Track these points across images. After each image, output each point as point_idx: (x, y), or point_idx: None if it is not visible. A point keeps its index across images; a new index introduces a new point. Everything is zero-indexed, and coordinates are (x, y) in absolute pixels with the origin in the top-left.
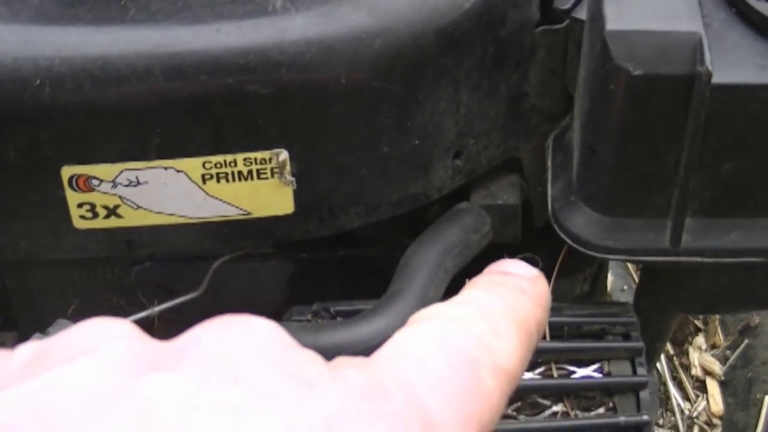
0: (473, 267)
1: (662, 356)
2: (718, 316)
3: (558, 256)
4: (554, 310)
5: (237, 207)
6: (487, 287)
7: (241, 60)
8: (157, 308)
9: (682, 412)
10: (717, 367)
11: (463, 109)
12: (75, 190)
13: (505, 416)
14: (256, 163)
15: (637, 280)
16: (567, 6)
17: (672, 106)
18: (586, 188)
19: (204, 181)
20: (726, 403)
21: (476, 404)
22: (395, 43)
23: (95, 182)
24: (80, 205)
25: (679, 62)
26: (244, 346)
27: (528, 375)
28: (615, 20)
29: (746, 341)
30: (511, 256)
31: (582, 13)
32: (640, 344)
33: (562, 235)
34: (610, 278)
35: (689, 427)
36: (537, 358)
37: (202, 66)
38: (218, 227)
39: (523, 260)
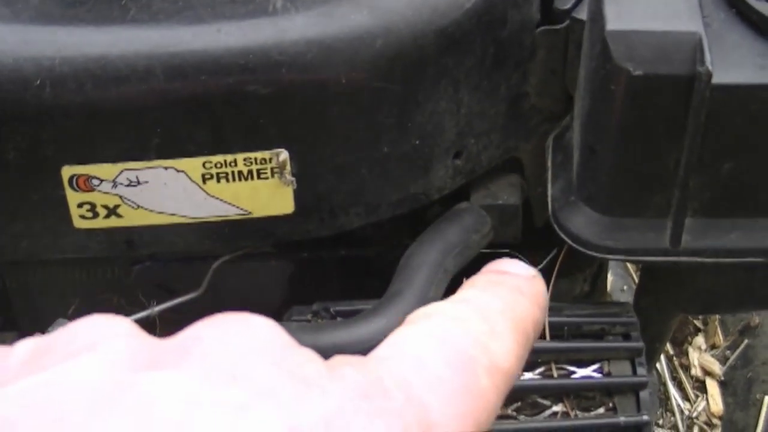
0: (473, 267)
1: (662, 356)
2: (718, 316)
3: (558, 256)
4: (554, 310)
5: (237, 207)
6: (484, 286)
7: (241, 60)
8: (157, 308)
9: (681, 412)
10: (717, 367)
11: (464, 109)
12: (75, 189)
13: (505, 416)
14: (256, 163)
15: (637, 280)
16: (567, 6)
17: (672, 106)
18: (586, 188)
19: (204, 181)
20: (726, 403)
21: (473, 403)
22: (395, 43)
23: (95, 182)
24: (80, 205)
25: (679, 62)
26: (243, 344)
27: (528, 375)
28: (615, 20)
29: (746, 341)
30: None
31: (582, 14)
32: (640, 344)
33: (562, 235)
34: (610, 278)
35: (689, 427)
36: (537, 358)
37: (202, 66)
38: (218, 227)
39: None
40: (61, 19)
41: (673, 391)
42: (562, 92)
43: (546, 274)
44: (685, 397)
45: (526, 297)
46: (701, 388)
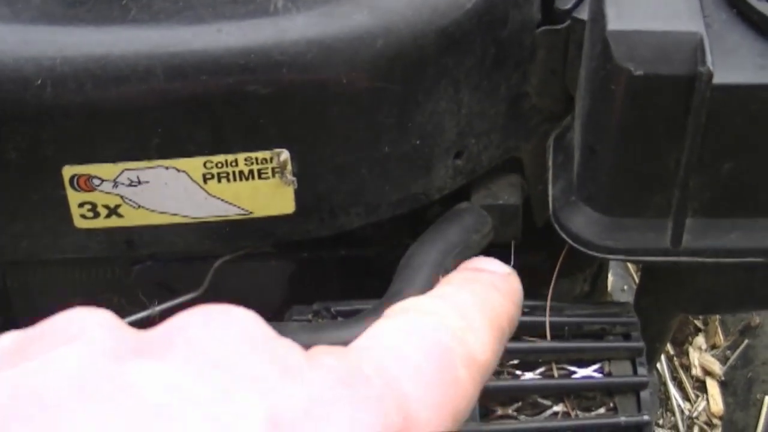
0: None
1: (662, 356)
2: (718, 316)
3: (558, 256)
4: (555, 310)
5: (238, 207)
6: (461, 283)
7: (241, 60)
8: (158, 308)
9: (682, 412)
10: (717, 367)
11: (464, 109)
12: (76, 189)
13: (505, 416)
14: (257, 163)
15: (637, 280)
16: (568, 6)
17: (672, 106)
18: (587, 188)
19: (205, 180)
20: (726, 403)
21: (451, 392)
22: (396, 43)
23: (96, 182)
24: (81, 205)
25: (680, 62)
26: (225, 333)
27: (528, 375)
28: (616, 20)
29: (746, 341)
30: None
31: (583, 14)
32: (641, 344)
33: (563, 235)
34: (610, 278)
35: (689, 427)
36: (538, 358)
37: (202, 66)
38: (219, 227)
39: None
40: (61, 19)
41: (673, 391)
42: (563, 92)
43: (546, 274)
44: (686, 397)
45: (502, 293)
46: (701, 388)
